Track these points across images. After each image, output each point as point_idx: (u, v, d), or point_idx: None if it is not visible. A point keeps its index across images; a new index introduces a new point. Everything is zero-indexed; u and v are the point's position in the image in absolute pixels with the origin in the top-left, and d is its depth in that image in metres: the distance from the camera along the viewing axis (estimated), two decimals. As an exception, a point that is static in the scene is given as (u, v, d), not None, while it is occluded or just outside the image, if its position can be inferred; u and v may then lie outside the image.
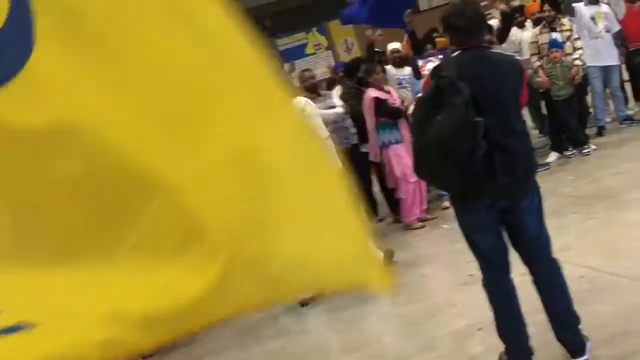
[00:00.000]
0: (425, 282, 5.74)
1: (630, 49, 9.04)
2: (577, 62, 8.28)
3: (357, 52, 22.17)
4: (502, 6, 8.57)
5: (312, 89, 7.51)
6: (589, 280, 4.51)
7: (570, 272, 4.64)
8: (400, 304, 5.26)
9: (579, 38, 8.44)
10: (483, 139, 3.17)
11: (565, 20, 8.48)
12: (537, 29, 8.48)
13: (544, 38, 8.32)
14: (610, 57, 8.91)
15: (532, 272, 3.59)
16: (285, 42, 30.85)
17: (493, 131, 3.25)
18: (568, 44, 8.28)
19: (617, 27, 8.92)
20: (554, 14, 8.36)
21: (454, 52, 3.55)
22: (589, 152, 8.24)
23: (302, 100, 6.74)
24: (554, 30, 8.33)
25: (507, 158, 3.30)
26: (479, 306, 4.64)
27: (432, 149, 3.25)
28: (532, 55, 8.42)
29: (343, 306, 5.45)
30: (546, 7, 8.41)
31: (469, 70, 3.33)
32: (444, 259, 6.20)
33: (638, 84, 9.45)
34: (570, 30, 8.39)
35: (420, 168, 3.54)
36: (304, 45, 31.10)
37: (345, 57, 27.73)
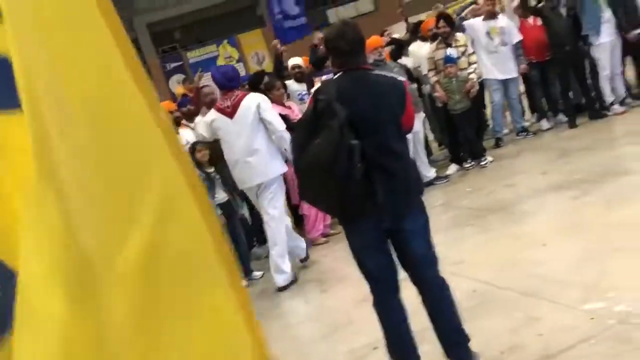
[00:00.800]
0: (325, 299, 5.74)
1: (527, 62, 9.30)
2: (472, 76, 8.51)
3: (269, 65, 22.17)
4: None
5: (212, 105, 7.41)
6: (481, 294, 4.60)
7: (464, 286, 4.76)
8: (299, 321, 5.25)
9: (473, 53, 8.67)
10: (361, 160, 3.20)
11: (459, 36, 8.68)
12: (434, 45, 8.65)
13: (440, 54, 8.51)
14: (508, 70, 9.17)
15: (420, 291, 3.63)
16: (196, 55, 30.59)
17: (372, 152, 3.31)
18: (463, 58, 8.50)
19: (516, 39, 9.16)
20: (449, 30, 8.55)
21: (336, 73, 3.57)
22: (486, 163, 8.45)
23: (210, 116, 6.65)
24: (449, 45, 8.52)
25: (387, 178, 3.36)
26: (377, 324, 4.69)
27: (311, 172, 3.28)
28: (429, 70, 8.61)
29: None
30: (441, 23, 8.60)
31: (347, 92, 3.36)
32: (346, 275, 6.16)
33: (533, 96, 9.75)
34: (465, 45, 8.60)
35: (302, 190, 3.56)
36: (215, 57, 30.89)
37: (256, 70, 27.82)
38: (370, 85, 3.49)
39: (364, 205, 3.34)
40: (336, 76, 3.55)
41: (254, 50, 30.56)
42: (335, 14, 32.11)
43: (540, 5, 9.19)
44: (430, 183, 8.32)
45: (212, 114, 6.42)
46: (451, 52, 8.43)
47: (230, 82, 6.43)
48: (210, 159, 6.69)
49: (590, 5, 8.65)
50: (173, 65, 30.80)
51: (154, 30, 30.54)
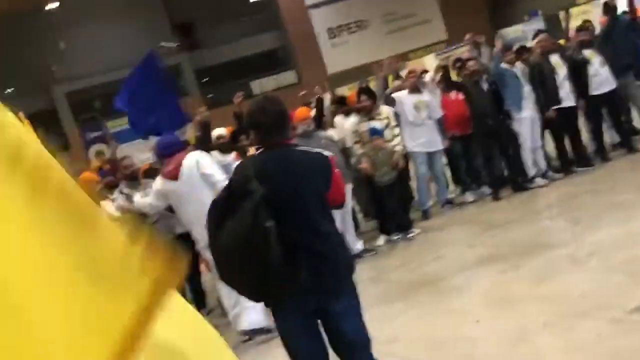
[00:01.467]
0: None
1: (449, 136, 9.42)
2: (398, 147, 8.54)
3: (190, 135, 21.79)
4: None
5: (133, 177, 7.17)
6: (415, 375, 4.42)
7: (397, 366, 4.59)
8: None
9: (397, 125, 8.71)
10: (280, 242, 3.04)
11: (383, 109, 8.74)
12: (357, 118, 8.67)
13: (364, 126, 8.53)
14: (434, 143, 9.25)
15: None
16: (117, 124, 30.12)
17: (295, 232, 3.18)
18: (387, 131, 8.51)
19: (439, 114, 9.28)
20: (371, 103, 8.59)
21: (258, 150, 3.43)
22: (413, 236, 8.41)
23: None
24: (372, 118, 8.55)
25: (312, 260, 3.22)
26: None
27: (226, 255, 3.13)
28: (354, 143, 8.58)
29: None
30: (362, 97, 8.64)
31: (267, 169, 3.24)
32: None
33: (457, 169, 9.85)
34: (388, 118, 8.65)
35: (220, 273, 3.36)
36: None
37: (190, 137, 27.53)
38: (292, 161, 3.35)
39: (285, 288, 3.17)
40: (257, 153, 3.43)
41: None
42: (259, 86, 32.41)
43: (461, 80, 9.35)
44: (359, 256, 8.18)
45: (159, 182, 6.26)
46: (375, 124, 8.46)
47: (168, 150, 6.29)
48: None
49: (512, 80, 8.88)
50: (93, 135, 30.23)
51: (73, 100, 30.04)
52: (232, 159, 7.94)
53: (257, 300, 3.58)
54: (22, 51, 23.33)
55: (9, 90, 28.24)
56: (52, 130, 30.49)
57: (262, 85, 32.44)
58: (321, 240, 3.29)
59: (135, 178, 7.20)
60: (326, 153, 3.50)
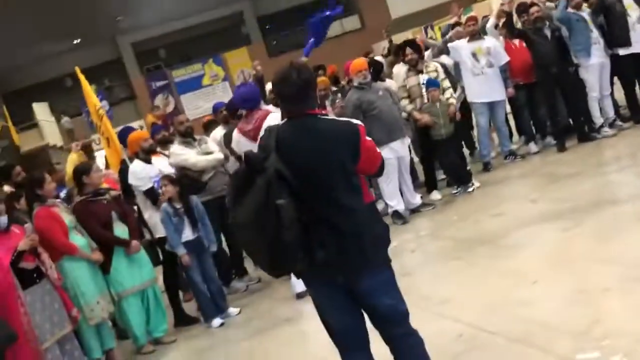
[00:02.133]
0: (300, 342, 5.39)
1: (513, 84, 9.07)
2: (452, 100, 8.28)
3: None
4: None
5: (186, 134, 7.14)
6: (468, 340, 4.31)
7: (449, 329, 4.49)
8: None
9: (445, 78, 8.42)
10: (300, 217, 2.98)
11: (431, 62, 8.46)
12: (403, 72, 8.39)
13: (412, 81, 8.29)
14: (495, 92, 8.92)
15: (391, 348, 3.34)
16: (181, 74, 30.37)
17: (316, 206, 3.10)
18: None
19: (504, 60, 8.92)
20: (417, 56, 8.31)
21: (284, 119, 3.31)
22: (473, 189, 8.20)
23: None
24: (420, 72, 8.29)
25: (334, 236, 3.12)
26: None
27: (242, 231, 3.10)
28: (402, 98, 8.32)
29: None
30: (408, 50, 8.34)
31: (288, 142, 3.14)
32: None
33: (521, 119, 9.51)
34: (437, 71, 8.37)
35: (240, 244, 3.38)
36: (201, 76, 30.69)
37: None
38: (316, 132, 3.18)
39: (302, 265, 3.09)
40: (281, 123, 3.27)
41: (239, 68, 30.37)
42: (322, 32, 32.04)
43: (524, 27, 8.94)
44: (417, 210, 8.06)
45: (237, 136, 6.26)
46: (425, 77, 8.22)
47: (246, 104, 6.28)
48: (180, 194, 6.37)
49: (579, 25, 8.45)
50: (159, 84, 30.55)
51: (138, 50, 30.31)
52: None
53: (276, 275, 3.54)
54: (87, 1, 23.49)
55: (75, 42, 28.63)
56: (118, 80, 30.98)
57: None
58: (344, 215, 3.14)
59: (190, 134, 7.16)
60: (354, 122, 3.27)
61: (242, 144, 6.15)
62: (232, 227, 3.24)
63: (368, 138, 3.25)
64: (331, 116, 3.67)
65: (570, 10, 8.53)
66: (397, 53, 9.12)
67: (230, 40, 30.90)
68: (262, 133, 5.60)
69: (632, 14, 8.57)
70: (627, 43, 8.54)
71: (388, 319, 3.26)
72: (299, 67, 3.25)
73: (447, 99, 8.29)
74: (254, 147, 5.64)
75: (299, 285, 6.00)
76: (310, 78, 3.26)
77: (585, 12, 8.58)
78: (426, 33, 24.07)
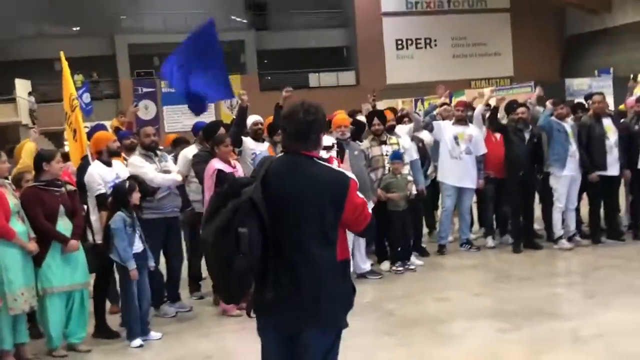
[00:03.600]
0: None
1: (484, 176, 9.15)
2: (409, 177, 8.30)
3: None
4: None
5: (150, 147, 7.06)
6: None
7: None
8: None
9: (404, 153, 8.43)
10: (264, 250, 3.00)
11: (393, 136, 8.48)
12: (367, 142, 8.41)
13: (375, 151, 8.29)
14: (467, 179, 8.98)
15: None
16: (169, 85, 30.33)
17: (283, 245, 3.08)
18: None
19: (482, 151, 9.01)
20: (382, 127, 8.34)
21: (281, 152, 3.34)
22: (415, 268, 8.19)
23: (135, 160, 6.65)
24: (383, 143, 8.31)
25: (292, 280, 3.09)
26: None
27: (204, 249, 3.13)
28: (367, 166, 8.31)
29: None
30: (375, 121, 8.37)
31: (277, 174, 3.15)
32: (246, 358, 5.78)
33: (485, 211, 9.55)
34: (398, 145, 8.36)
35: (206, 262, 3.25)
36: (188, 92, 30.63)
37: (227, 114, 27.54)
38: (305, 174, 3.15)
39: (246, 296, 3.13)
40: (277, 156, 3.32)
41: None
42: (316, 79, 32.31)
43: (507, 123, 9.07)
44: (363, 276, 8.01)
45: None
46: (389, 149, 8.26)
47: None
48: (137, 204, 6.26)
49: (560, 136, 8.58)
50: (145, 89, 30.44)
51: (133, 52, 30.27)
52: (266, 150, 7.78)
53: (226, 301, 3.64)
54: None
55: (75, 29, 28.54)
56: (106, 77, 30.84)
57: (320, 79, 32.37)
58: (307, 265, 3.08)
59: (153, 149, 7.07)
60: (348, 174, 3.23)
61: None
62: (201, 243, 3.18)
63: (360, 195, 3.21)
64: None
65: (554, 119, 8.67)
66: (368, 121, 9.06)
67: (226, 65, 30.93)
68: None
69: (610, 137, 8.73)
70: (603, 168, 8.69)
71: None
72: (307, 108, 3.22)
73: (406, 174, 8.29)
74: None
75: None
76: (315, 121, 3.21)
77: (569, 124, 8.72)
78: (415, 106, 24.43)
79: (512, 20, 33.03)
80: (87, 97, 17.82)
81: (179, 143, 8.82)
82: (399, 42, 32.50)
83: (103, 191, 6.43)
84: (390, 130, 8.62)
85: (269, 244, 3.01)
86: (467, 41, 32.90)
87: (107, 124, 19.18)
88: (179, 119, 30.02)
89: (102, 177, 6.47)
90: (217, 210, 3.04)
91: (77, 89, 17.75)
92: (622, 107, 13.59)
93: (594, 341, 5.38)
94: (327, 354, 3.19)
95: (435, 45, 32.79)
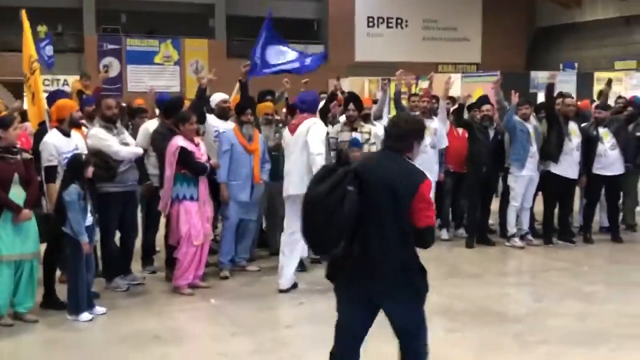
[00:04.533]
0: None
1: (444, 169, 9.22)
2: None
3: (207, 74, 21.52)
4: None
5: (110, 119, 6.94)
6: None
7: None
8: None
9: (374, 143, 8.37)
10: (353, 208, 3.62)
11: (367, 125, 8.43)
12: (339, 126, 8.35)
13: (345, 136, 8.18)
14: (429, 172, 8.79)
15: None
16: (135, 44, 29.79)
17: (372, 228, 3.70)
18: (365, 146, 8.18)
19: (444, 144, 9.07)
20: (357, 114, 8.29)
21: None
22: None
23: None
24: (354, 130, 8.25)
25: (366, 250, 3.71)
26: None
27: (309, 205, 3.67)
28: (331, 150, 8.26)
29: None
30: (351, 106, 8.29)
31: (373, 165, 3.89)
32: (195, 343, 5.77)
33: (442, 204, 9.62)
34: (369, 134, 8.31)
35: (303, 219, 3.75)
36: (154, 53, 30.16)
37: (192, 78, 27.22)
38: (394, 168, 3.79)
39: (339, 248, 3.69)
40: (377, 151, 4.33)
41: (194, 57, 30.02)
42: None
43: (471, 119, 9.13)
44: (318, 260, 8.02)
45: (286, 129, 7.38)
46: (357, 136, 8.18)
47: (301, 105, 7.19)
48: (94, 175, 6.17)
49: (522, 137, 8.67)
50: (110, 46, 29.84)
51: (101, 7, 29.57)
52: (231, 129, 7.67)
53: (318, 251, 4.28)
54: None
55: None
56: (71, 30, 30.10)
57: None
58: (382, 245, 3.70)
59: (114, 121, 6.96)
60: (427, 174, 3.82)
61: (284, 136, 7.31)
62: (303, 204, 3.71)
63: (432, 196, 4.00)
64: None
65: (517, 118, 8.75)
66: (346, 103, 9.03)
67: (194, 29, 30.54)
68: (300, 130, 6.90)
69: (573, 140, 8.84)
70: (555, 161, 8.81)
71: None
72: (409, 118, 4.16)
73: None
74: (289, 138, 7.06)
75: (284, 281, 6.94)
76: (413, 130, 3.93)
77: (531, 125, 8.81)
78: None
79: (483, 7, 33.07)
80: (50, 50, 17.34)
81: (136, 112, 8.66)
82: (370, 19, 32.32)
83: (54, 163, 6.31)
84: (366, 118, 8.62)
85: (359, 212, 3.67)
86: (438, 24, 32.87)
87: (69, 79, 18.72)
88: (142, 78, 29.56)
89: (57, 148, 6.34)
90: (324, 177, 3.68)
91: (41, 40, 17.39)
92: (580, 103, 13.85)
93: (539, 347, 5.47)
94: (408, 321, 3.99)
95: (406, 25, 32.69)
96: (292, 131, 7.04)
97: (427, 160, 8.89)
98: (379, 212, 3.70)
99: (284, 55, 9.00)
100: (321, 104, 8.96)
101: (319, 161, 6.58)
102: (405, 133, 3.87)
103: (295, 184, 6.83)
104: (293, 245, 6.94)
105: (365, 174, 3.72)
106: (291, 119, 8.01)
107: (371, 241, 3.71)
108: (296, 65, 9.01)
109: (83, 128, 7.02)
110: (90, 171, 6.11)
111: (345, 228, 3.64)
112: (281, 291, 6.95)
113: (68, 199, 5.98)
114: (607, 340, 5.65)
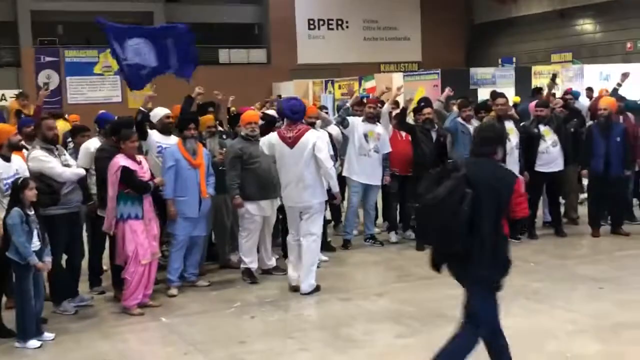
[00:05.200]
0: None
1: (390, 173, 9.31)
2: None
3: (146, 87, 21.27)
4: None
5: (52, 141, 6.83)
6: None
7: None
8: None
9: None
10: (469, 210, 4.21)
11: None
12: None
13: None
14: (374, 177, 9.13)
15: None
16: (74, 55, 29.31)
17: (476, 223, 4.25)
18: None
19: (387, 149, 9.15)
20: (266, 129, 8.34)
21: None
22: (319, 264, 8.24)
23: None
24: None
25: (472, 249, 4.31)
26: None
27: (426, 208, 4.41)
28: None
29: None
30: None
31: (472, 170, 4.39)
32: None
33: (389, 207, 9.73)
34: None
35: (419, 224, 5.22)
36: (94, 64, 29.69)
37: (132, 100, 26.86)
38: (492, 170, 4.48)
39: (458, 246, 4.32)
40: (467, 159, 5.01)
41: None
42: (227, 55, 31.89)
43: (414, 122, 9.27)
44: (268, 272, 8.05)
45: (274, 137, 7.41)
46: None
47: (294, 115, 7.32)
48: (35, 201, 6.05)
49: (464, 138, 8.83)
50: (48, 59, 29.28)
51: (36, 19, 29.00)
52: (175, 144, 7.60)
53: (443, 252, 4.56)
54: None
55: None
56: (7, 44, 29.46)
57: (230, 55, 31.95)
58: (479, 243, 4.29)
59: (55, 142, 6.85)
60: (515, 174, 4.72)
61: (277, 146, 7.33)
62: (417, 210, 4.69)
63: (522, 190, 4.73)
64: None
65: (459, 120, 8.90)
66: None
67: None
68: (302, 143, 7.12)
69: (511, 139, 8.99)
70: (502, 161, 8.97)
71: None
72: (494, 127, 5.30)
73: None
74: (288, 151, 7.20)
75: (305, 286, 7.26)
76: (499, 136, 4.73)
77: (472, 127, 8.96)
78: (325, 87, 24.55)
79: (421, 5, 33.48)
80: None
81: (78, 131, 8.51)
82: (311, 21, 32.42)
83: None
84: (311, 126, 8.64)
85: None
86: (378, 24, 33.16)
87: (7, 94, 18.32)
88: (82, 90, 29.16)
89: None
90: (436, 183, 4.28)
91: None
92: (516, 99, 14.17)
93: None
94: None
95: (347, 27, 32.90)
96: (291, 144, 7.20)
97: (370, 165, 9.04)
98: (483, 209, 4.24)
99: (141, 51, 8.58)
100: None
101: (333, 174, 7.37)
102: (492, 139, 4.59)
103: (297, 195, 7.25)
104: (298, 249, 7.36)
105: (473, 177, 4.29)
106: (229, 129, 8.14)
107: (476, 235, 4.25)
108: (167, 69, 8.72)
109: (23, 150, 6.88)
110: (30, 194, 5.99)
111: (465, 226, 4.19)
112: (302, 294, 7.25)
113: (10, 222, 5.88)
114: (556, 337, 5.78)
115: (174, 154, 7.44)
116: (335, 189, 7.47)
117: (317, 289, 7.31)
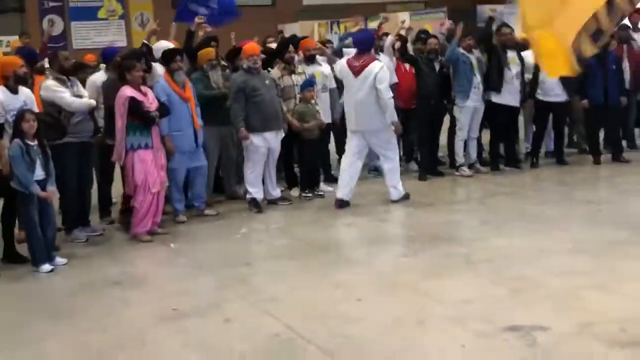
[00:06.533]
0: (121, 309, 5.26)
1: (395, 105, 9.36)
2: (317, 107, 8.48)
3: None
4: None
5: (67, 71, 6.93)
6: (282, 341, 4.46)
7: (268, 326, 4.64)
8: (85, 329, 4.88)
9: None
10: None
11: (299, 66, 8.65)
12: (278, 71, 8.44)
13: (287, 80, 8.38)
14: (324, 115, 9.18)
15: None
16: (77, 0, 29.08)
17: None
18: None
19: (393, 80, 9.18)
20: (293, 57, 8.48)
21: None
22: (323, 194, 8.43)
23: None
24: (292, 72, 8.41)
25: None
26: (171, 348, 4.47)
27: None
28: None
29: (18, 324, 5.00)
30: (291, 48, 8.46)
31: None
32: (156, 284, 5.93)
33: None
34: (305, 74, 8.53)
35: None
36: (98, 8, 29.44)
37: (138, 31, 26.74)
38: None
39: None
40: None
41: (139, 10, 29.44)
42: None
43: (417, 55, 9.29)
44: (274, 202, 8.21)
45: (343, 63, 7.96)
46: (297, 79, 8.42)
47: (361, 46, 7.85)
48: (37, 132, 6.16)
49: (465, 68, 8.87)
50: (52, 3, 29.10)
51: (39, -37, 28.73)
52: (163, 79, 7.67)
53: None
54: None
55: None
56: (9, -11, 29.29)
57: (234, -2, 31.57)
58: None
59: (68, 73, 6.95)
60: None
61: (344, 72, 7.89)
62: None
63: None
64: None
65: (460, 49, 8.93)
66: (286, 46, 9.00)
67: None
68: (366, 73, 7.63)
69: (512, 69, 9.08)
70: (497, 91, 9.05)
71: None
72: None
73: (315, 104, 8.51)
74: (352, 79, 7.74)
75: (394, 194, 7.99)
76: None
77: (474, 56, 9.00)
78: (331, 29, 24.35)
79: (429, -58, 32.94)
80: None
81: (79, 68, 8.58)
82: (317, -39, 31.98)
83: (1, 121, 6.30)
84: (311, 59, 8.75)
85: None
86: (385, -37, 32.68)
87: (11, 39, 18.24)
88: (88, 35, 28.95)
89: (4, 105, 6.31)
90: None
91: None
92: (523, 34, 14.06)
93: (483, 266, 5.72)
94: None
95: (353, -34, 32.41)
96: (357, 73, 7.69)
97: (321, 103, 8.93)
98: None
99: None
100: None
101: (391, 104, 7.68)
102: None
103: (364, 120, 7.75)
104: (349, 170, 7.96)
105: None
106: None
107: None
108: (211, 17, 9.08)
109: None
110: (25, 126, 6.07)
111: None
112: (393, 201, 7.98)
113: (10, 154, 6.03)
114: (552, 254, 5.95)
115: (165, 88, 7.46)
116: (394, 118, 7.82)
117: (406, 196, 8.01)
